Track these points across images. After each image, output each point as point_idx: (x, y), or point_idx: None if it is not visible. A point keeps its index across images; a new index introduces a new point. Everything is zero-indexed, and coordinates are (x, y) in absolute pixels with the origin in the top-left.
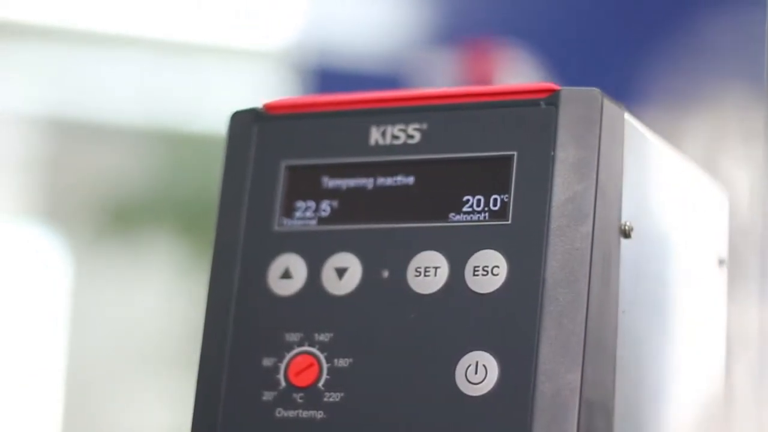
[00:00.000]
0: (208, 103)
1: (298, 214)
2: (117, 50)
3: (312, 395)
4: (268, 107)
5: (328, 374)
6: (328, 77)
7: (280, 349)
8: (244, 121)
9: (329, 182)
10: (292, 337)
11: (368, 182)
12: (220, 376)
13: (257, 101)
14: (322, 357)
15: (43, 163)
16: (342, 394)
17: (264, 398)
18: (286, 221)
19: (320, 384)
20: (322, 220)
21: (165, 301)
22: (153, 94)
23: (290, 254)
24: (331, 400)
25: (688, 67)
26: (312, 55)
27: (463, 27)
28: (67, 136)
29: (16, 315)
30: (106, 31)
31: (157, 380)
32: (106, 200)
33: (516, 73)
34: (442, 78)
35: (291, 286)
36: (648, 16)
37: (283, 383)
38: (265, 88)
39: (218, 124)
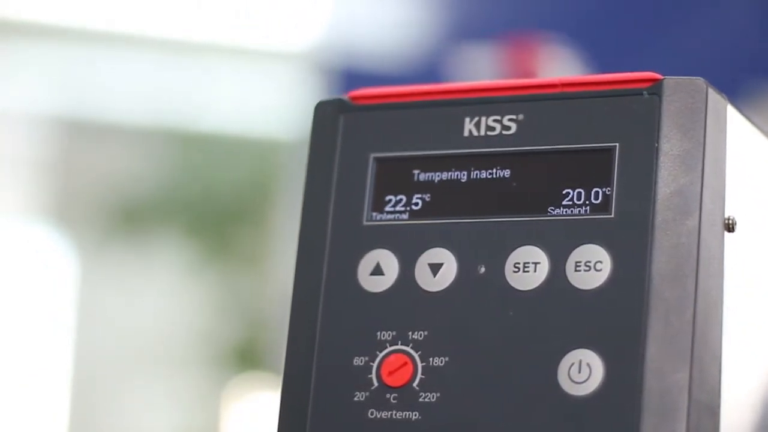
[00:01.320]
0: (218, 104)
1: (388, 208)
2: (125, 51)
3: (406, 395)
4: (354, 97)
5: (422, 374)
6: (353, 78)
7: (372, 348)
8: (329, 112)
9: (421, 175)
10: (385, 335)
11: (462, 175)
12: (309, 376)
13: (268, 101)
14: (416, 356)
15: (52, 163)
16: (438, 394)
17: (356, 399)
18: (375, 215)
19: (415, 384)
20: (413, 214)
21: (172, 302)
22: (162, 95)
23: (381, 249)
24: (426, 400)
25: (736, 61)
26: (334, 55)
27: (504, 22)
28: (76, 136)
29: (24, 315)
30: (115, 31)
31: (163, 381)
32: (114, 200)
33: (557, 67)
34: (483, 74)
35: (382, 283)
36: (689, 7)
37: (375, 383)
38: (278, 88)
39: (227, 125)
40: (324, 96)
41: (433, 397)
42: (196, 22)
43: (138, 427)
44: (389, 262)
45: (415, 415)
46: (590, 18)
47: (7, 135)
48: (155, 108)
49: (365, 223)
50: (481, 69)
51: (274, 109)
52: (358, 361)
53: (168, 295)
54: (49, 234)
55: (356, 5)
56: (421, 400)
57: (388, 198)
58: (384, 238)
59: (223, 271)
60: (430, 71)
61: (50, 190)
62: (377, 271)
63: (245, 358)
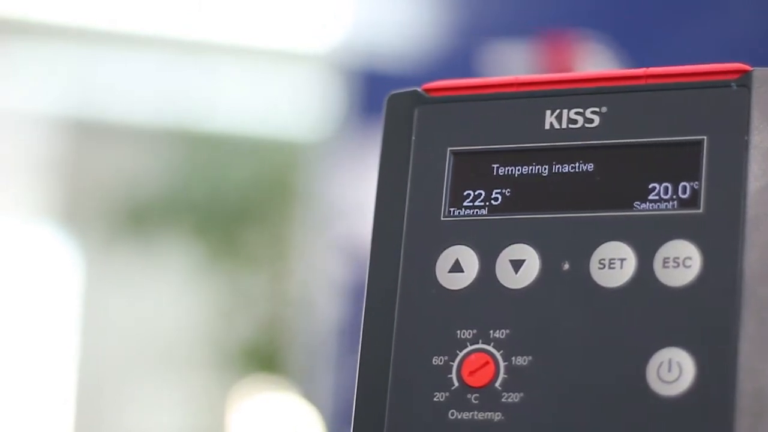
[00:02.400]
0: (226, 104)
1: (466, 203)
2: (134, 51)
3: (488, 396)
4: (429, 89)
5: (505, 373)
6: (371, 79)
7: (452, 347)
8: (403, 104)
9: (500, 169)
10: (465, 333)
11: (543, 169)
12: (385, 377)
13: (277, 102)
14: (498, 355)
15: (58, 163)
16: (522, 395)
17: (435, 399)
18: (453, 211)
19: (497, 384)
20: (493, 209)
21: (179, 302)
22: (170, 95)
23: (460, 246)
24: (509, 400)
25: None
26: (350, 56)
27: (539, 19)
28: (84, 136)
29: (30, 316)
30: (123, 31)
31: (170, 382)
32: (121, 201)
33: (592, 64)
34: (516, 72)
35: (462, 280)
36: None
37: (455, 383)
38: (287, 89)
39: (235, 125)
40: (342, 97)
41: (516, 398)
42: (203, 22)
43: (144, 429)
44: (469, 258)
45: (498, 415)
46: (623, 13)
47: (14, 135)
48: (163, 108)
49: (443, 218)
50: (514, 67)
51: (282, 109)
52: (437, 360)
53: (175, 296)
54: (56, 234)
55: (376, 6)
56: (503, 400)
57: (466, 193)
58: (463, 233)
59: (230, 271)
60: (458, 71)
61: (57, 190)
62: (456, 267)
63: (253, 360)
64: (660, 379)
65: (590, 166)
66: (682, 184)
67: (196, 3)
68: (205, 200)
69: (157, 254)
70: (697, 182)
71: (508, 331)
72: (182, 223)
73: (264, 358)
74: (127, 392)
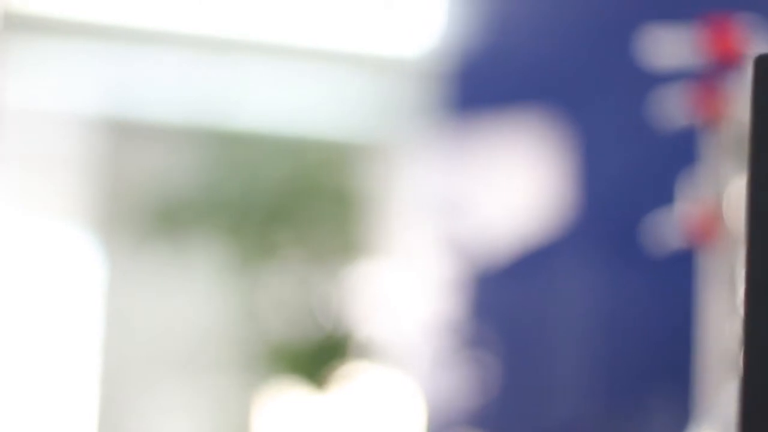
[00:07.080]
0: (258, 104)
1: None
2: (167, 50)
3: None
4: None
5: None
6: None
7: None
8: None
9: None
10: None
11: None
12: None
13: (311, 101)
14: None
15: (89, 162)
16: None
17: None
18: None
19: None
20: None
21: (209, 302)
22: (204, 94)
23: None
24: None
25: None
26: (445, 59)
27: (703, 3)
28: (117, 136)
29: (61, 316)
30: (160, 30)
31: (196, 383)
32: (153, 200)
33: (756, 49)
34: (676, 58)
35: None
36: None
37: None
38: (320, 88)
39: (268, 125)
40: (379, 97)
41: None
42: (238, 21)
43: (170, 430)
44: None
45: None
46: None
47: (46, 135)
48: (196, 108)
49: None
50: (688, 50)
51: (316, 108)
52: None
53: (206, 296)
54: (87, 233)
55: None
56: None
57: None
58: None
59: (261, 272)
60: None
61: (89, 190)
62: None
63: (282, 362)
64: None
65: None
66: None
67: (234, 1)
68: (237, 200)
69: (189, 254)
70: None
71: None
72: (214, 224)
73: (293, 359)
74: (154, 393)
